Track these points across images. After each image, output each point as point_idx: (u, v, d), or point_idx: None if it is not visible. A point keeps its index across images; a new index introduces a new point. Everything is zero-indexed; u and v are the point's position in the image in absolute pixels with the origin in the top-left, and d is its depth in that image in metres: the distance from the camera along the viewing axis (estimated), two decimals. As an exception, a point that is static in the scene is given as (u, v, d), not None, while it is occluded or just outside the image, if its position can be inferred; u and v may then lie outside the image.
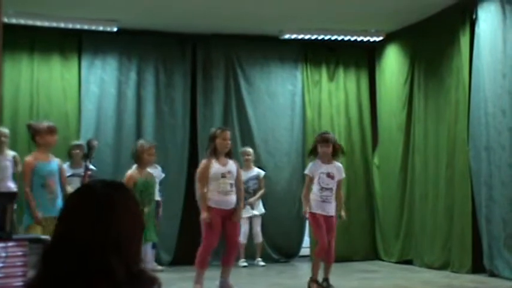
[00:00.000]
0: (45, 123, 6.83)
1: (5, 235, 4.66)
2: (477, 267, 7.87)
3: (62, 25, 9.13)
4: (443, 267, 8.42)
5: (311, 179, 7.16)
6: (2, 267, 4.50)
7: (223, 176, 6.85)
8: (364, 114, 10.42)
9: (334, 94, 10.39)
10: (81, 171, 7.49)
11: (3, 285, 4.48)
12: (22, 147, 9.06)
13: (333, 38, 10.04)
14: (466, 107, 8.15)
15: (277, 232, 9.87)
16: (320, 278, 7.07)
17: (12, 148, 8.83)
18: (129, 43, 9.70)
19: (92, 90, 9.51)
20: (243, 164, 9.43)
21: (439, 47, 8.81)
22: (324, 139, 7.22)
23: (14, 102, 9.14)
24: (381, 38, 10.03)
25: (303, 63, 10.39)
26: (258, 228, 9.46)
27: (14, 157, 8.04)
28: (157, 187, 8.03)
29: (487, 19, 7.86)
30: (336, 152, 7.24)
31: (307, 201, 7.12)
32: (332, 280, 7.12)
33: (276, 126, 10.16)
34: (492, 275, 7.62)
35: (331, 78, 10.46)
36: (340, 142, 10.06)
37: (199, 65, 9.97)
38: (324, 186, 7.12)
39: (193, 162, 9.58)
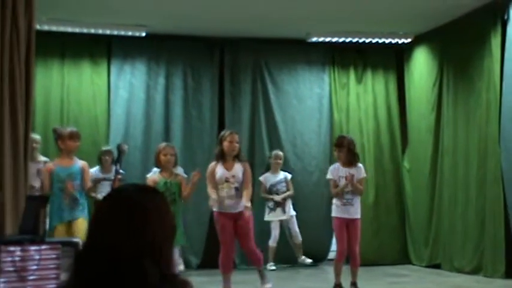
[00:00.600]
0: (68, 129, 6.93)
1: (39, 238, 4.73)
2: (511, 272, 7.76)
3: (92, 31, 9.23)
4: (474, 271, 8.31)
5: (335, 182, 7.17)
6: (36, 269, 4.57)
7: (226, 180, 6.87)
8: (393, 116, 10.36)
9: (362, 97, 10.35)
10: (111, 175, 7.58)
11: (37, 287, 4.55)
12: (53, 153, 9.17)
13: (361, 40, 10.00)
14: (497, 108, 8.05)
15: (305, 235, 9.83)
16: (344, 282, 7.04)
17: (44, 153, 8.93)
18: (158, 48, 9.77)
19: (121, 95, 9.60)
20: (272, 167, 9.43)
21: (469, 49, 8.72)
22: (337, 143, 7.26)
23: (45, 107, 9.27)
24: (409, 40, 9.97)
25: (330, 66, 10.36)
26: (296, 229, 9.46)
27: (45, 162, 8.13)
28: None
29: (520, 19, 7.77)
30: (353, 156, 7.22)
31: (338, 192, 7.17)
32: (360, 284, 7.09)
33: (304, 129, 10.15)
34: (526, 279, 7.53)
35: (359, 80, 10.41)
36: (369, 145, 10.10)
37: (227, 69, 10.01)
38: (345, 190, 7.12)
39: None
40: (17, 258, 4.51)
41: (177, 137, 9.67)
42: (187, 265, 9.25)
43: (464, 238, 8.59)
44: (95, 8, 8.45)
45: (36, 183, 7.43)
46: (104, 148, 8.84)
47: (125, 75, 9.66)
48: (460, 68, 8.98)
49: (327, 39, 9.98)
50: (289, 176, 9.61)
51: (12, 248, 4.51)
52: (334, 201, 7.16)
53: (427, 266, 9.30)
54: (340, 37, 9.90)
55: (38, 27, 7.13)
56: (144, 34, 9.39)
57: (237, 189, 6.87)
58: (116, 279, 1.63)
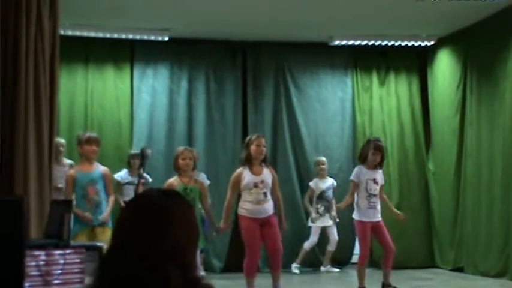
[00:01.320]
0: (87, 134, 6.95)
1: (63, 243, 4.77)
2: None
3: (115, 35, 9.31)
4: (499, 275, 8.23)
5: (356, 185, 7.16)
6: (61, 273, 4.60)
7: (255, 185, 6.81)
8: (416, 119, 10.30)
9: (386, 100, 10.30)
10: (135, 180, 7.62)
11: (61, 292, 4.58)
12: (77, 156, 9.25)
13: (383, 43, 9.96)
14: (521, 111, 7.97)
15: (326, 239, 9.81)
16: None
17: (68, 157, 9.05)
18: (180, 52, 9.81)
19: (144, 99, 9.66)
20: (318, 174, 9.47)
21: (493, 51, 8.64)
22: (377, 147, 7.21)
23: (69, 112, 9.35)
24: (432, 43, 9.91)
25: (352, 69, 10.34)
26: (335, 237, 9.51)
27: (70, 165, 8.22)
28: None
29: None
30: (382, 160, 7.26)
31: (346, 204, 7.26)
32: (382, 288, 7.06)
33: (326, 132, 10.13)
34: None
35: (382, 83, 10.37)
36: (393, 148, 10.06)
37: (250, 73, 10.02)
38: (372, 193, 7.13)
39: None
40: (41, 263, 4.54)
41: (200, 141, 9.70)
42: (211, 269, 9.26)
43: (488, 241, 8.51)
44: (118, 12, 8.51)
45: (62, 185, 7.53)
46: (133, 152, 8.89)
47: (148, 80, 9.71)
48: (483, 70, 8.90)
49: (350, 43, 9.96)
50: (335, 182, 9.67)
51: (36, 252, 4.54)
52: (360, 204, 7.13)
53: (452, 270, 9.21)
54: (362, 40, 9.87)
55: (61, 32, 7.20)
56: (166, 38, 9.44)
57: (265, 194, 6.82)
58: (139, 283, 1.64)
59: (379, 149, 7.19)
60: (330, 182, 9.62)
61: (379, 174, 7.23)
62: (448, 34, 9.65)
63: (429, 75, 10.21)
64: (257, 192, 6.78)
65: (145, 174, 8.50)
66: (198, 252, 6.91)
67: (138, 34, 9.37)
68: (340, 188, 9.78)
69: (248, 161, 6.86)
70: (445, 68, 9.82)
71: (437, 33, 9.73)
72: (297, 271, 9.26)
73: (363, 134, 10.05)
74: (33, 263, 4.46)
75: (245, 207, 6.83)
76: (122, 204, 7.93)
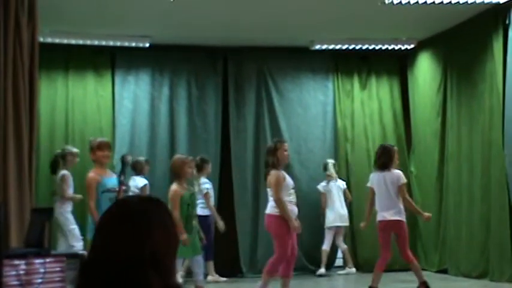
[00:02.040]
0: (98, 139, 6.97)
1: (44, 251, 4.73)
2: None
3: (96, 42, 9.28)
4: (481, 276, 8.29)
5: (373, 190, 7.29)
6: (41, 282, 4.57)
7: (293, 187, 6.98)
8: (398, 122, 10.36)
9: (367, 103, 10.35)
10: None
11: (42, 301, 4.54)
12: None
13: (364, 47, 10.00)
14: (500, 112, 8.04)
15: (313, 243, 9.83)
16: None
17: (49, 163, 9.02)
18: (161, 58, 9.80)
19: (126, 106, 9.63)
20: (327, 177, 9.63)
21: (472, 53, 8.72)
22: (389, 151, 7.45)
23: (50, 119, 9.30)
24: (412, 46, 9.97)
25: (334, 73, 10.37)
26: (342, 237, 9.69)
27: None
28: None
29: (521, 23, 7.76)
30: (381, 162, 7.37)
31: (368, 213, 7.38)
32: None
33: (308, 136, 10.15)
34: (533, 282, 7.50)
35: (363, 87, 10.42)
36: (375, 151, 10.07)
37: (231, 78, 10.03)
38: (380, 196, 7.26)
39: (225, 175, 9.62)
40: (21, 272, 4.50)
41: (182, 146, 9.68)
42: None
43: (469, 243, 8.56)
44: (98, 19, 8.49)
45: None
46: (139, 158, 8.92)
47: (129, 86, 9.69)
48: (463, 72, 8.97)
49: (331, 47, 9.99)
50: (345, 184, 9.78)
51: (16, 262, 4.50)
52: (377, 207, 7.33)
53: (438, 271, 9.25)
54: (343, 44, 9.90)
55: (41, 39, 7.17)
56: (147, 45, 9.42)
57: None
58: (119, 289, 1.63)
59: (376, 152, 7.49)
60: (337, 184, 9.72)
61: (389, 176, 7.31)
62: (428, 37, 9.71)
63: (410, 78, 10.28)
64: (294, 193, 6.96)
65: (143, 179, 8.52)
66: (202, 258, 6.84)
67: (119, 41, 9.35)
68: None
69: (275, 166, 6.87)
70: (425, 71, 9.89)
71: (417, 36, 9.79)
72: (323, 271, 9.44)
73: (344, 138, 10.09)
74: (13, 273, 4.43)
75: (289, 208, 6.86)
76: None
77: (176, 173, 6.75)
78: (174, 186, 6.68)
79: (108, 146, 6.88)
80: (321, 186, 9.69)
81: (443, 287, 7.62)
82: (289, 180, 6.92)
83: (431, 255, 9.58)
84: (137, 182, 8.56)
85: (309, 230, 9.81)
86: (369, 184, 7.40)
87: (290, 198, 6.89)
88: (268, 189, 6.90)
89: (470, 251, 8.53)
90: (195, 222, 6.72)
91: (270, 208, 6.88)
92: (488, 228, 8.18)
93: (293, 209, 6.88)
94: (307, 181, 9.99)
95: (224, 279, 8.95)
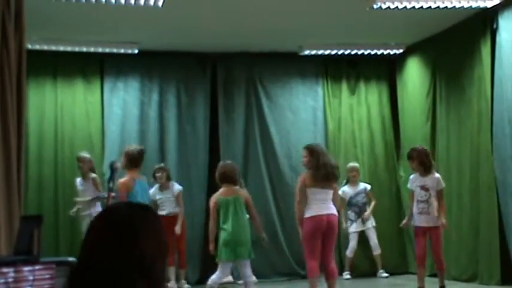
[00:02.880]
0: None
1: (33, 258, 4.70)
2: (506, 279, 7.76)
3: (84, 49, 9.25)
4: (471, 279, 8.32)
5: (412, 193, 7.47)
6: (30, 290, 4.54)
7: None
8: (386, 127, 10.38)
9: (356, 108, 10.38)
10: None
11: (31, 309, 4.51)
12: (48, 171, 9.18)
13: (353, 52, 10.03)
14: (488, 117, 8.08)
15: (301, 249, 9.81)
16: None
17: (39, 171, 9.02)
18: (150, 64, 9.79)
19: (115, 112, 9.61)
20: (350, 180, 9.60)
21: (460, 58, 8.76)
22: (408, 156, 7.60)
23: (39, 127, 9.27)
24: (401, 51, 10.01)
25: (323, 78, 10.39)
26: (375, 240, 9.59)
27: (93, 179, 8.76)
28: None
29: (508, 28, 7.80)
30: (426, 166, 7.41)
31: (410, 214, 7.54)
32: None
33: (298, 141, 10.12)
34: (521, 286, 7.52)
35: (352, 92, 10.44)
36: (363, 156, 10.11)
37: (220, 84, 10.03)
38: (419, 199, 7.37)
39: (214, 181, 9.59)
40: (10, 280, 4.48)
41: (172, 153, 9.68)
42: (188, 281, 9.20)
43: (459, 247, 8.58)
44: (86, 26, 8.47)
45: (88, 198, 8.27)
46: (157, 166, 8.98)
47: (118, 92, 9.67)
48: (452, 77, 9.01)
49: (320, 52, 10.01)
50: (368, 186, 9.74)
51: (5, 270, 4.48)
52: (414, 210, 7.44)
53: (430, 276, 9.24)
54: (332, 49, 9.93)
55: (29, 46, 7.15)
56: (136, 51, 9.41)
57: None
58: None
59: (409, 158, 7.52)
60: (361, 187, 9.70)
61: (430, 180, 7.38)
62: (416, 42, 9.75)
63: (399, 83, 10.31)
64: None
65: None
66: (249, 262, 6.92)
67: (108, 47, 9.33)
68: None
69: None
70: (414, 76, 9.92)
71: (406, 41, 9.83)
72: (348, 276, 9.43)
73: (334, 143, 10.12)
74: (2, 280, 4.40)
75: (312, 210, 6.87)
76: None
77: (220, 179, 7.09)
78: (217, 193, 7.08)
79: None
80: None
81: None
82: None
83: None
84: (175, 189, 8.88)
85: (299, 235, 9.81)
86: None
87: (316, 196, 6.91)
88: (325, 190, 6.90)
89: (460, 254, 8.55)
90: (236, 227, 6.83)
91: (334, 208, 6.95)
92: (477, 232, 8.21)
93: (317, 208, 6.87)
94: (296, 186, 9.97)
95: (188, 286, 8.98)
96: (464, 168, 8.53)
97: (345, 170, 9.59)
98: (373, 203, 9.66)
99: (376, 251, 9.55)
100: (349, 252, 9.53)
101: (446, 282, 7.56)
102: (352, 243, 9.53)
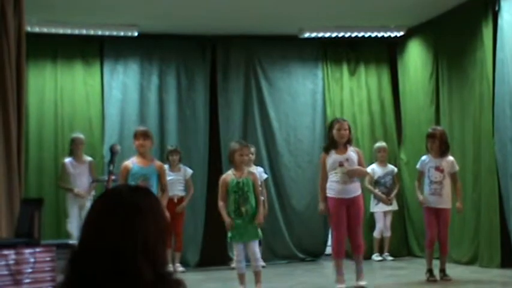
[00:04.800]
0: (136, 128, 7.36)
1: (33, 241, 4.72)
2: (506, 262, 7.78)
3: (84, 32, 9.21)
4: (471, 262, 8.35)
5: (421, 173, 7.48)
6: (31, 272, 4.56)
7: (340, 164, 6.90)
8: (387, 110, 10.35)
9: (356, 91, 10.34)
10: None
11: (32, 291, 4.53)
12: (48, 155, 9.18)
13: (353, 35, 9.99)
14: (490, 99, 8.06)
15: (302, 231, 9.86)
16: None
17: (39, 154, 9.03)
18: (150, 47, 9.76)
19: (115, 96, 9.59)
20: (378, 160, 9.65)
21: (462, 40, 8.73)
22: (430, 134, 7.47)
23: (39, 109, 9.24)
24: (401, 33, 9.97)
25: (323, 61, 10.35)
26: (388, 223, 9.61)
27: (90, 162, 8.74)
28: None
29: (510, 10, 7.76)
30: (446, 147, 7.41)
31: (420, 192, 7.50)
32: (356, 277, 7.12)
33: (297, 125, 10.14)
34: (521, 268, 7.56)
35: (352, 75, 10.41)
36: (363, 139, 10.10)
37: (220, 67, 9.99)
38: (433, 180, 7.38)
39: (214, 164, 9.61)
40: (11, 262, 4.50)
41: (172, 136, 9.67)
42: (186, 263, 9.23)
43: (461, 230, 8.59)
44: (86, 8, 8.43)
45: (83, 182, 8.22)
46: (170, 148, 9.09)
47: (118, 76, 9.64)
48: (453, 59, 8.98)
49: (320, 35, 9.97)
50: (395, 169, 9.72)
51: (6, 252, 4.50)
52: (425, 191, 7.44)
53: (435, 258, 9.25)
54: (332, 32, 9.89)
55: (28, 29, 7.13)
56: (136, 34, 9.38)
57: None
58: (110, 279, 1.63)
59: (433, 136, 7.42)
60: (389, 168, 9.68)
61: (446, 162, 7.39)
62: (417, 24, 9.71)
63: (399, 66, 10.27)
64: (342, 171, 6.89)
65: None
66: (257, 243, 6.96)
67: (107, 30, 9.29)
68: (311, 180, 9.76)
69: (332, 145, 7.03)
70: (416, 58, 9.88)
71: (407, 23, 9.78)
72: (379, 258, 9.49)
73: (334, 118, 10.08)
74: (3, 262, 4.42)
75: (332, 187, 6.90)
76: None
77: (229, 160, 7.03)
78: (224, 174, 7.05)
79: (143, 135, 7.05)
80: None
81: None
82: (334, 158, 6.94)
83: (423, 241, 9.57)
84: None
85: (298, 218, 9.85)
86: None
87: (334, 178, 6.90)
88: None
89: (462, 237, 8.57)
90: (244, 209, 6.79)
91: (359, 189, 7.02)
92: (478, 214, 8.22)
93: (341, 188, 6.86)
94: (295, 170, 10.00)
95: (182, 269, 8.93)
96: (467, 151, 8.52)
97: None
98: (397, 186, 9.66)
99: (387, 233, 9.57)
100: (377, 234, 9.55)
101: (446, 265, 7.58)
102: (379, 224, 9.53)
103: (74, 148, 8.69)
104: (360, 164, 7.00)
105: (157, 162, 7.17)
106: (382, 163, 9.66)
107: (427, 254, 7.53)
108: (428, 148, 7.48)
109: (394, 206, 9.65)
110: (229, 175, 6.95)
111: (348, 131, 7.02)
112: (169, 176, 8.70)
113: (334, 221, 6.96)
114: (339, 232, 6.92)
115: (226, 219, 6.83)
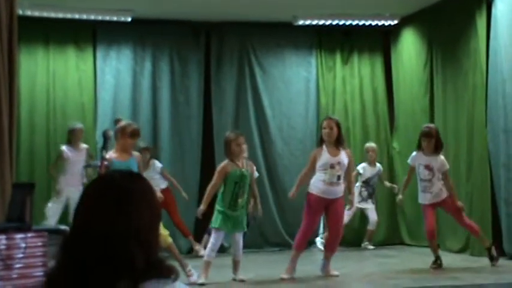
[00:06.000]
0: (131, 126, 6.84)
1: (25, 226, 4.71)
2: (497, 251, 7.80)
3: (76, 16, 9.16)
4: (462, 250, 8.39)
5: (412, 169, 7.43)
6: (22, 257, 4.55)
7: (332, 166, 6.84)
8: (379, 99, 10.35)
9: (349, 80, 10.34)
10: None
11: (23, 275, 4.52)
12: (40, 140, 9.14)
13: (347, 23, 9.97)
14: (483, 89, 8.06)
15: (294, 219, 9.85)
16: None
17: (30, 138, 8.98)
18: (144, 33, 9.71)
19: (108, 81, 9.55)
20: (368, 160, 9.55)
21: (456, 29, 8.72)
22: (427, 133, 7.37)
23: (31, 94, 9.20)
24: (395, 22, 9.95)
25: (317, 49, 10.34)
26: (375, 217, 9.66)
27: (87, 150, 8.66)
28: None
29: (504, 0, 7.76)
30: (439, 144, 7.37)
31: (404, 188, 7.58)
32: (349, 265, 7.16)
33: (290, 113, 10.13)
34: (512, 258, 7.60)
35: (345, 63, 10.40)
36: (354, 128, 10.10)
37: (214, 53, 9.96)
38: (422, 178, 7.36)
39: (207, 151, 9.60)
40: (2, 247, 4.48)
41: (165, 122, 9.65)
42: (178, 250, 9.21)
43: (453, 219, 8.60)
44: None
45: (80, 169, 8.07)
46: (142, 145, 8.74)
47: (111, 61, 9.59)
48: (447, 49, 8.97)
49: (314, 22, 9.95)
50: (381, 168, 9.69)
51: (-3, 236, 4.48)
52: (419, 187, 7.46)
53: (425, 246, 9.27)
54: (326, 20, 9.87)
55: (20, 12, 7.07)
56: (129, 19, 9.33)
57: (339, 177, 6.85)
58: (102, 264, 1.62)
59: (429, 135, 7.32)
60: (377, 168, 9.63)
61: (435, 160, 7.32)
62: (411, 13, 9.69)
63: (393, 55, 10.26)
64: (332, 173, 6.83)
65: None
66: (241, 235, 6.95)
67: (100, 15, 9.24)
68: (303, 168, 9.74)
69: (322, 142, 6.95)
70: (410, 47, 9.86)
71: (401, 12, 9.76)
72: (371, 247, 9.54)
73: (326, 114, 10.07)
74: (-6, 247, 4.40)
75: (317, 185, 6.86)
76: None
77: (226, 150, 6.87)
78: (224, 162, 6.86)
79: (139, 135, 6.82)
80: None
81: (423, 262, 7.68)
82: (327, 158, 6.85)
83: (414, 230, 9.61)
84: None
85: (291, 206, 9.85)
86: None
87: (323, 178, 6.83)
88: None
89: (455, 226, 8.56)
90: (241, 200, 6.76)
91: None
92: (471, 203, 8.23)
93: (326, 189, 6.81)
94: (288, 158, 10.00)
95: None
96: (461, 141, 8.52)
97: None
98: (387, 184, 9.64)
99: (373, 226, 9.62)
100: (372, 226, 9.61)
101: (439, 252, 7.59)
102: (372, 215, 9.59)
103: (72, 138, 8.62)
104: (348, 168, 6.97)
105: (135, 153, 6.90)
106: (371, 163, 9.62)
107: (430, 245, 7.49)
108: (424, 146, 7.37)
109: (369, 204, 9.63)
110: (230, 165, 6.78)
111: (335, 130, 6.90)
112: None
113: (308, 216, 6.93)
114: (309, 227, 6.95)
115: (203, 207, 6.74)
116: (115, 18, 9.31)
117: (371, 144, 9.70)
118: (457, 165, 8.59)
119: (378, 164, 9.71)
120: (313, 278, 6.92)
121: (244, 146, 7.10)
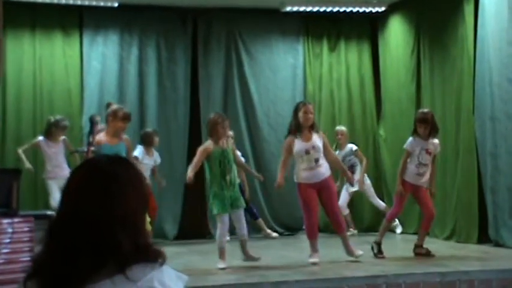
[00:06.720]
0: (123, 110, 6.96)
1: (11, 211, 4.70)
2: (483, 238, 7.87)
3: (63, 1, 9.09)
4: (449, 237, 8.44)
5: (408, 154, 7.28)
6: (9, 242, 4.54)
7: (307, 152, 6.83)
8: (366, 86, 10.37)
9: (335, 67, 10.35)
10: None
11: (10, 260, 4.52)
12: (26, 125, 9.10)
13: (335, 9, 9.96)
14: (471, 76, 8.09)
15: (281, 206, 9.89)
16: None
17: (17, 124, 8.92)
18: (130, 18, 9.66)
19: (94, 66, 9.50)
20: (337, 143, 9.44)
21: (443, 16, 8.72)
22: (423, 119, 7.27)
23: (17, 80, 9.14)
24: (383, 9, 9.95)
25: (304, 36, 10.33)
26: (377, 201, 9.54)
27: (63, 140, 8.39)
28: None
29: (492, -13, 7.77)
30: (434, 130, 7.30)
31: (401, 177, 7.26)
32: (333, 253, 7.18)
33: (277, 99, 10.13)
34: (497, 245, 7.65)
35: (332, 50, 10.40)
36: (340, 115, 10.10)
37: (201, 40, 9.93)
38: (422, 162, 7.24)
39: (194, 137, 9.58)
40: (-11, 232, 4.47)
41: (152, 108, 9.63)
42: (164, 236, 9.23)
43: (442, 206, 8.64)
44: (65, -23, 8.30)
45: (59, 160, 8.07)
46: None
47: (98, 47, 9.54)
48: (435, 36, 8.98)
49: (301, 9, 9.93)
50: (354, 147, 9.47)
51: (-16, 222, 4.47)
52: (409, 171, 7.26)
53: (415, 233, 9.30)
54: (314, 6, 9.85)
55: (6, -3, 6.99)
56: (116, 4, 9.27)
57: (317, 160, 6.83)
58: (90, 249, 1.62)
59: (425, 121, 7.24)
60: (347, 149, 9.45)
61: (432, 145, 7.28)
62: (398, 0, 9.67)
63: (381, 42, 10.26)
64: (309, 159, 6.82)
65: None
66: (242, 212, 6.95)
67: (87, 0, 9.16)
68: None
69: (297, 129, 6.88)
70: (397, 34, 9.86)
71: (388, -1, 9.77)
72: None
73: (313, 101, 10.06)
74: (-19, 233, 4.39)
75: (301, 174, 6.87)
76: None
77: (211, 131, 6.87)
78: (206, 143, 6.89)
79: (129, 119, 6.90)
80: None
81: (409, 249, 7.72)
82: (301, 146, 6.84)
83: (406, 217, 9.61)
84: (156, 157, 8.66)
85: (277, 193, 9.86)
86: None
87: (304, 165, 6.83)
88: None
89: (442, 213, 8.60)
90: (228, 177, 6.76)
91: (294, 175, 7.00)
92: (457, 190, 8.28)
93: (309, 175, 6.82)
94: (275, 144, 9.99)
95: (275, 234, 9.25)
96: (449, 128, 8.53)
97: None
98: (364, 162, 9.39)
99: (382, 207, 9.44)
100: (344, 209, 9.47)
101: (426, 239, 7.61)
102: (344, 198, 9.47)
103: (54, 132, 8.38)
104: (325, 149, 6.94)
105: (124, 137, 6.95)
106: (340, 146, 9.47)
107: (384, 226, 7.43)
108: (420, 132, 7.26)
109: (367, 180, 9.53)
110: (211, 145, 6.81)
111: (312, 115, 6.94)
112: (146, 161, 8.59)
113: (305, 206, 6.94)
114: (311, 216, 6.93)
115: (190, 174, 6.75)
116: (102, 4, 9.26)
117: (338, 128, 9.62)
118: (444, 152, 8.59)
119: (350, 145, 9.52)
120: (300, 265, 6.94)
121: (231, 133, 7.13)
